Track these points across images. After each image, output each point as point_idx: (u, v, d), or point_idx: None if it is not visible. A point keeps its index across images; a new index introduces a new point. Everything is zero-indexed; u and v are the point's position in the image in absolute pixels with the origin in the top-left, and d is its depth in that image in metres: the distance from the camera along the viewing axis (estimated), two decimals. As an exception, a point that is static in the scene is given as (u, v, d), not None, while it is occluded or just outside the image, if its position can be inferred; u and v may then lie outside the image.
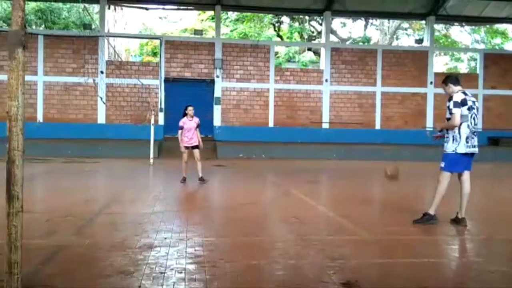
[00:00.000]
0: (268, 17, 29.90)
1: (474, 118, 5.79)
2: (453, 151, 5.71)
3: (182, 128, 9.89)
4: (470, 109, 5.75)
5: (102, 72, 19.73)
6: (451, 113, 5.70)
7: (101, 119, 20.23)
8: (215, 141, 19.32)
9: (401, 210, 7.03)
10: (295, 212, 6.75)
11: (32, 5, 25.07)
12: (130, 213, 6.56)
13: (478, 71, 23.18)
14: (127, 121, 19.52)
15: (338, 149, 18.22)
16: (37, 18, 27.33)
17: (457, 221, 5.88)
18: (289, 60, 31.23)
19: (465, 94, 5.80)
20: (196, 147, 9.96)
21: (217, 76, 20.82)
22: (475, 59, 28.06)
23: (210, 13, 28.50)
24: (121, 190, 8.92)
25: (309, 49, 31.32)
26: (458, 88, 5.86)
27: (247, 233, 5.49)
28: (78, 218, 5.97)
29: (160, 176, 11.86)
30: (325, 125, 21.56)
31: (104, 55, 20.11)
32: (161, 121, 19.91)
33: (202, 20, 32.63)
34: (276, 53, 27.82)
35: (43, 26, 27.24)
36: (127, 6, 23.65)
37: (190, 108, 9.97)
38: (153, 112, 14.92)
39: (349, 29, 34.06)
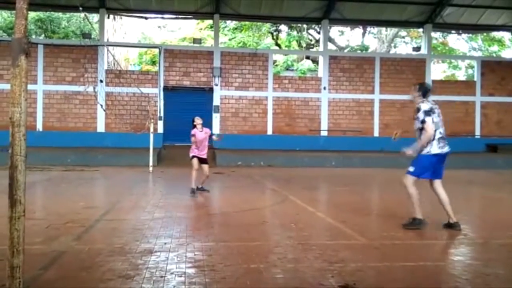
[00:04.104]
0: (266, 26, 30.12)
1: (442, 125, 5.97)
2: (428, 152, 5.83)
3: (194, 135, 9.21)
4: (438, 115, 5.92)
5: (101, 81, 19.84)
6: (423, 122, 5.78)
7: (101, 127, 20.32)
8: (213, 149, 19.36)
9: (398, 216, 7.06)
10: (294, 218, 6.80)
11: (32, 14, 25.25)
12: (130, 219, 6.60)
13: (475, 79, 23.35)
14: (126, 130, 19.59)
15: (337, 157, 18.26)
16: (37, 27, 27.50)
17: (450, 226, 5.95)
18: (287, 68, 31.41)
19: (430, 102, 5.98)
20: (205, 161, 9.41)
21: (216, 85, 20.95)
22: (472, 67, 28.28)
23: (209, 22, 28.70)
24: (121, 197, 8.95)
25: (307, 57, 31.51)
26: (424, 99, 6.00)
27: (246, 238, 5.53)
28: (78, 225, 6.02)
29: (159, 183, 11.89)
30: (324, 133, 21.65)
31: (103, 64, 20.25)
32: (160, 129, 20.01)
33: (201, 29, 32.86)
34: (275, 61, 28.00)
35: (43, 35, 27.40)
36: (126, 16, 23.81)
37: (197, 118, 9.37)
38: (152, 121, 15.00)
39: (347, 37, 34.35)
